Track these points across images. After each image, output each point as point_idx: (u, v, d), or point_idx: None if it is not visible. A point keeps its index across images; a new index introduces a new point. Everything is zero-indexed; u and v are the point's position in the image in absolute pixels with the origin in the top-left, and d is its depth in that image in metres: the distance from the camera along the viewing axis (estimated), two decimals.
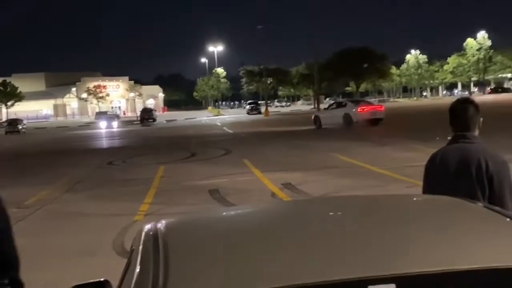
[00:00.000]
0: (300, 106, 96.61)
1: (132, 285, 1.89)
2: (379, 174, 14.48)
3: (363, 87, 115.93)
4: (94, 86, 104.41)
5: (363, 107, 34.67)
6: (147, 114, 67.70)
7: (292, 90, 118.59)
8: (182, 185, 14.65)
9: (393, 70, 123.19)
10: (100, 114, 76.84)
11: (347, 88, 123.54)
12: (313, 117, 37.62)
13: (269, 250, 1.93)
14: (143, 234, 2.40)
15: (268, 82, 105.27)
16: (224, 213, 3.38)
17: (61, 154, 28.42)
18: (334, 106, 38.64)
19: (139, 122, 66.51)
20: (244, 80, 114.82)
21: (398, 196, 5.78)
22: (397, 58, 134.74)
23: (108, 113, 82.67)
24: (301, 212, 2.65)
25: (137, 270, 1.99)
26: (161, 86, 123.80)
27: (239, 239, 2.13)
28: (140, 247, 2.23)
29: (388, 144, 22.07)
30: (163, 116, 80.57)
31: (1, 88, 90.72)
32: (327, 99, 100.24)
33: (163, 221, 2.50)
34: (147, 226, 2.51)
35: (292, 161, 18.61)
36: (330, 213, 2.52)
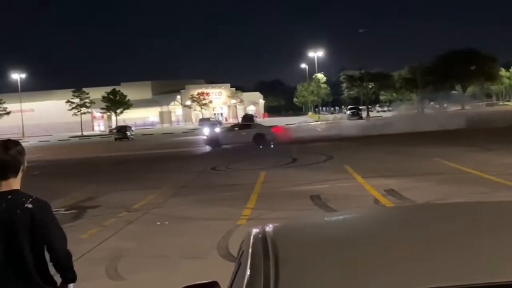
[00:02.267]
0: (403, 110, 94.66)
1: (244, 287, 1.96)
2: (487, 180, 13.96)
3: (470, 90, 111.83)
4: (198, 94, 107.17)
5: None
6: (247, 121, 68.61)
7: (394, 94, 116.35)
8: (283, 190, 14.77)
9: (503, 72, 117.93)
10: (203, 121, 78.69)
11: (453, 92, 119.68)
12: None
13: (378, 255, 1.94)
14: (252, 236, 2.47)
15: (370, 86, 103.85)
16: (329, 218, 3.40)
17: (167, 160, 29.39)
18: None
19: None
20: (344, 85, 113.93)
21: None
22: (506, 59, 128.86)
23: (211, 119, 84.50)
24: (408, 218, 2.63)
25: (248, 272, 2.05)
26: (261, 93, 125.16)
27: (347, 244, 2.15)
28: (250, 250, 2.30)
29: (493, 149, 21.23)
30: (263, 122, 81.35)
31: (111, 96, 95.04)
32: (431, 103, 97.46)
33: (271, 225, 2.56)
34: (256, 229, 2.58)
35: (394, 167, 18.29)
36: (438, 219, 2.49)
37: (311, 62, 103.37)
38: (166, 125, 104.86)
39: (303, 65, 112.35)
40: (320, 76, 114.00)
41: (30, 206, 3.28)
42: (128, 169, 25.73)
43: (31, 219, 3.27)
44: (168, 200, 14.64)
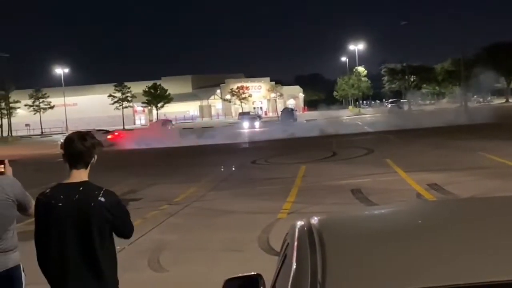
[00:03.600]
0: (446, 104, 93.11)
1: (290, 279, 1.95)
2: None
3: None
4: (237, 88, 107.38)
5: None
6: (288, 115, 68.62)
7: (436, 88, 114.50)
8: (324, 184, 14.71)
9: None
10: (243, 115, 78.89)
11: (497, 85, 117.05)
12: None
13: (424, 249, 1.92)
14: (297, 229, 2.46)
15: (411, 80, 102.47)
16: (373, 212, 3.37)
17: (208, 153, 29.55)
18: None
19: (279, 122, 67.46)
20: (385, 78, 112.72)
21: None
22: None
23: (251, 113, 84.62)
24: (451, 212, 2.60)
25: (294, 265, 2.05)
26: (301, 86, 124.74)
27: (393, 237, 2.13)
28: (296, 242, 2.29)
29: None
30: (303, 116, 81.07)
31: (152, 90, 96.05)
32: (475, 96, 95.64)
33: (316, 217, 2.55)
34: (301, 222, 2.57)
35: (437, 160, 18.05)
36: (481, 214, 2.45)
37: (351, 55, 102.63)
38: (206, 119, 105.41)
39: (343, 58, 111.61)
40: (361, 69, 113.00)
41: (103, 199, 3.36)
42: (169, 162, 25.95)
43: (105, 212, 3.36)
44: (208, 194, 14.73)
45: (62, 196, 3.38)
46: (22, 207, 4.03)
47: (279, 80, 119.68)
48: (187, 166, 23.16)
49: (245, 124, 62.29)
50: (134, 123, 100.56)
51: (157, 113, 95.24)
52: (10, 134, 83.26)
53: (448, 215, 2.51)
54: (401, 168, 16.41)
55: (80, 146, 3.44)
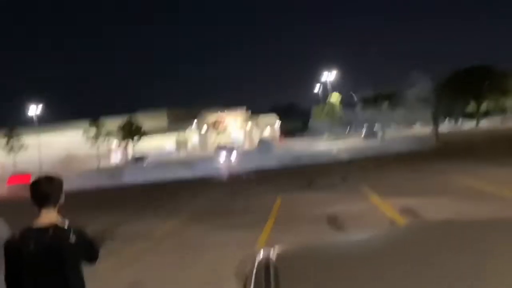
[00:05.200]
0: (418, 128, 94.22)
1: None
2: (500, 197, 13.89)
3: (485, 106, 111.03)
4: (213, 120, 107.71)
5: None
6: (264, 145, 68.94)
7: (408, 113, 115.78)
8: (300, 213, 14.80)
9: None
10: (220, 147, 78.99)
11: (468, 108, 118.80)
12: None
13: (384, 278, 1.98)
14: (256, 261, 2.55)
15: (383, 106, 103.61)
16: (339, 240, 3.44)
17: (184, 188, 29.53)
18: None
19: (255, 153, 67.67)
20: (359, 105, 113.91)
21: None
22: None
23: (227, 145, 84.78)
24: (418, 237, 2.63)
25: None
26: (277, 115, 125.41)
27: (354, 266, 2.19)
28: (253, 275, 2.37)
29: (507, 165, 21.14)
30: (279, 146, 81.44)
31: (127, 126, 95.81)
32: (446, 119, 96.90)
33: (275, 248, 2.63)
34: (260, 253, 2.65)
35: (410, 185, 18.28)
36: (452, 237, 2.48)
37: (325, 84, 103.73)
38: (182, 153, 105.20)
39: (317, 87, 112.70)
40: (335, 96, 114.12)
41: (74, 240, 3.45)
42: (149, 198, 25.88)
43: (77, 251, 3.48)
44: (186, 227, 14.72)
45: (32, 240, 3.43)
46: None
47: (255, 110, 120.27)
48: (165, 200, 23.12)
49: (222, 156, 62.37)
50: (110, 160, 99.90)
51: (133, 149, 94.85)
52: None
53: (414, 240, 2.56)
54: (376, 194, 16.60)
55: (46, 187, 3.55)
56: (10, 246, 3.49)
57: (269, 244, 10.70)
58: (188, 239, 12.92)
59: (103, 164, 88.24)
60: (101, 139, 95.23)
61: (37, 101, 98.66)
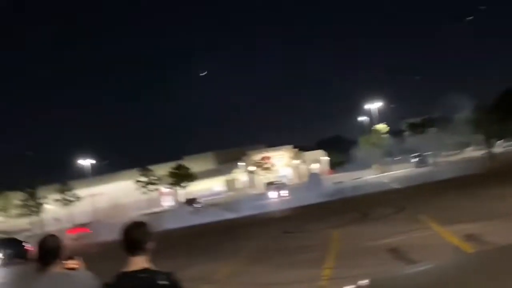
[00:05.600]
0: (471, 152, 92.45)
1: None
2: None
3: None
4: (260, 159, 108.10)
5: None
6: (314, 180, 68.77)
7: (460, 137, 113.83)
8: (359, 247, 14.64)
9: None
10: (269, 185, 79.04)
11: None
12: None
13: None
14: None
15: (432, 132, 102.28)
16: (417, 270, 3.45)
17: (238, 228, 29.53)
18: None
19: (305, 189, 67.40)
20: (407, 133, 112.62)
21: None
22: None
23: (275, 182, 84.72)
24: (488, 264, 2.64)
25: None
26: (324, 149, 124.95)
27: None
28: None
29: None
30: (329, 179, 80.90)
31: (176, 171, 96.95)
32: (500, 141, 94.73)
33: (364, 282, 2.66)
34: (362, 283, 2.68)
35: (469, 211, 17.87)
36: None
37: (371, 113, 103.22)
38: (231, 193, 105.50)
39: (363, 118, 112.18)
40: (381, 126, 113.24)
41: (164, 282, 3.53)
42: (204, 240, 25.97)
43: None
44: (247, 268, 14.71)
45: (128, 284, 3.54)
46: None
47: (301, 146, 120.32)
48: (223, 242, 23.13)
49: (273, 194, 62.34)
50: (161, 205, 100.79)
51: (184, 193, 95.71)
52: (42, 231, 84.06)
53: (491, 266, 2.58)
54: (435, 222, 16.30)
55: (135, 233, 3.65)
56: None
57: (332, 279, 10.60)
58: (251, 280, 12.89)
59: (155, 209, 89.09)
60: (151, 186, 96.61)
61: (87, 154, 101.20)
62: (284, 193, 62.86)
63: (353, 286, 2.39)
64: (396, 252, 12.52)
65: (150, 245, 3.72)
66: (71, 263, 4.15)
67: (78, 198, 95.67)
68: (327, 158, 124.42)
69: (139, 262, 3.63)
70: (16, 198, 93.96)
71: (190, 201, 70.30)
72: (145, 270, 3.60)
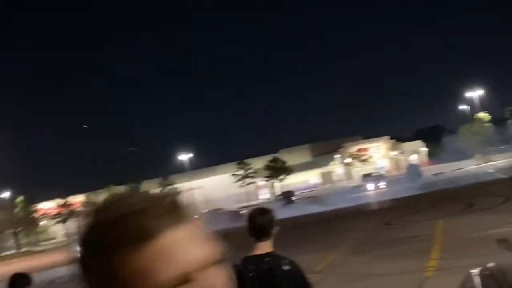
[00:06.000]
0: None
1: None
2: None
3: None
4: (356, 150, 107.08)
5: None
6: (412, 171, 67.27)
7: None
8: (466, 237, 14.23)
9: None
10: (366, 176, 78.16)
11: None
12: None
13: None
14: (476, 276, 2.48)
15: None
16: None
17: (335, 220, 29.41)
18: None
19: (405, 180, 66.03)
20: (510, 121, 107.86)
21: None
22: None
23: (373, 174, 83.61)
24: None
25: None
26: (422, 139, 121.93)
27: None
28: None
29: None
30: (428, 171, 78.86)
31: (272, 164, 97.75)
32: None
33: (492, 264, 2.56)
34: (476, 270, 2.59)
35: None
36: None
37: (471, 102, 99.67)
38: (328, 185, 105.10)
39: (463, 106, 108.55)
40: (483, 115, 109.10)
41: (288, 267, 3.60)
42: (303, 232, 26.06)
43: (290, 280, 3.61)
44: (348, 259, 14.66)
45: (252, 267, 3.67)
46: None
47: (398, 136, 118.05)
48: (319, 233, 23.19)
49: (370, 186, 61.56)
50: (258, 198, 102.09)
51: (280, 186, 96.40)
52: None
53: None
54: None
55: (260, 220, 3.75)
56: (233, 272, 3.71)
57: (440, 270, 10.38)
58: (354, 269, 12.84)
59: (252, 202, 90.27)
60: (248, 179, 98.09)
61: (187, 149, 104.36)
62: (382, 184, 61.84)
63: (478, 268, 2.30)
64: (506, 242, 12.07)
65: (274, 230, 3.81)
66: None
67: (178, 192, 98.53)
68: (425, 149, 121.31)
69: (264, 247, 3.73)
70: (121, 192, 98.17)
71: (286, 194, 70.58)
72: (270, 254, 3.71)
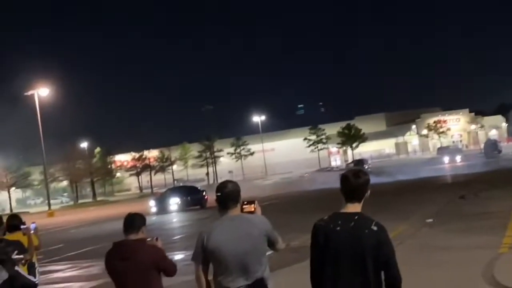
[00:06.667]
0: None
1: None
2: None
3: None
4: (434, 122, 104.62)
5: None
6: (492, 146, 65.15)
7: None
8: None
9: None
10: (443, 149, 76.44)
11: None
12: None
13: None
14: None
15: None
16: None
17: (408, 191, 29.07)
18: None
19: (482, 155, 64.19)
20: None
21: None
22: None
23: (450, 147, 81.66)
24: None
25: None
26: (504, 115, 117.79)
27: None
28: None
29: None
30: (508, 147, 76.34)
31: (346, 131, 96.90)
32: None
33: None
34: None
35: None
36: None
37: None
38: (402, 156, 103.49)
39: None
40: None
41: (375, 228, 3.67)
42: (375, 200, 25.89)
43: (376, 239, 3.66)
44: (420, 230, 14.52)
45: (339, 222, 3.74)
46: (271, 243, 4.43)
47: (479, 110, 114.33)
48: (391, 203, 23.00)
49: (446, 159, 60.21)
50: (329, 164, 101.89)
51: (353, 153, 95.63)
52: (215, 181, 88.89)
53: None
54: None
55: (354, 182, 3.79)
56: (319, 227, 3.84)
57: None
58: (425, 241, 12.71)
59: (324, 168, 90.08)
60: (320, 145, 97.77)
61: (261, 111, 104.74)
62: (458, 158, 60.39)
63: None
64: None
65: (366, 193, 3.85)
66: (249, 207, 4.44)
67: (251, 153, 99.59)
68: (506, 124, 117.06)
69: (353, 208, 3.79)
70: (194, 149, 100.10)
71: (358, 162, 69.94)
72: (358, 214, 3.77)
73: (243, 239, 4.22)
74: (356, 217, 3.73)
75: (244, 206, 4.44)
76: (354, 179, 3.81)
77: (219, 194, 4.38)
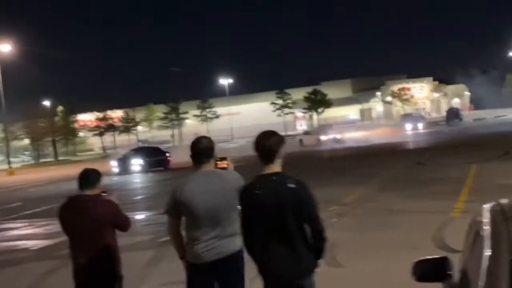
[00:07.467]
0: None
1: (485, 261, 2.02)
2: None
3: None
4: (399, 89, 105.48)
5: None
6: (453, 115, 66.15)
7: None
8: (497, 183, 14.14)
9: None
10: (405, 117, 77.20)
11: None
12: None
13: None
14: (490, 213, 2.52)
15: None
16: None
17: (368, 156, 29.47)
18: None
19: (444, 123, 65.19)
20: None
21: None
22: None
23: (413, 114, 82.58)
24: None
25: (487, 253, 2.10)
26: (467, 84, 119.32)
27: None
28: (487, 225, 2.33)
29: None
30: (469, 116, 77.64)
31: (312, 96, 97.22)
32: None
33: (503, 201, 2.58)
34: (487, 206, 2.63)
35: None
36: None
37: None
38: (366, 122, 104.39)
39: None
40: None
41: (293, 186, 3.77)
42: (332, 166, 26.25)
43: (294, 197, 3.80)
44: (377, 195, 14.79)
45: (260, 184, 3.92)
46: None
47: (443, 79, 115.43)
48: (354, 168, 23.32)
49: (408, 126, 60.91)
50: (295, 129, 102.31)
51: (318, 118, 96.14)
52: (181, 143, 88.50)
53: None
54: None
55: (264, 143, 3.93)
56: (243, 190, 4.07)
57: (466, 212, 10.41)
58: (381, 205, 12.97)
59: (290, 133, 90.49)
60: (287, 109, 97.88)
61: (228, 75, 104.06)
62: (420, 125, 61.17)
63: (491, 203, 2.34)
64: None
65: (282, 152, 3.97)
66: (222, 163, 4.52)
67: (216, 116, 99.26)
68: (469, 93, 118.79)
69: (272, 168, 3.93)
70: (160, 110, 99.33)
71: (323, 128, 70.29)
72: (276, 174, 3.90)
73: (215, 193, 4.35)
74: (274, 178, 3.88)
75: (217, 162, 4.57)
76: (268, 139, 3.94)
77: (192, 149, 4.47)
